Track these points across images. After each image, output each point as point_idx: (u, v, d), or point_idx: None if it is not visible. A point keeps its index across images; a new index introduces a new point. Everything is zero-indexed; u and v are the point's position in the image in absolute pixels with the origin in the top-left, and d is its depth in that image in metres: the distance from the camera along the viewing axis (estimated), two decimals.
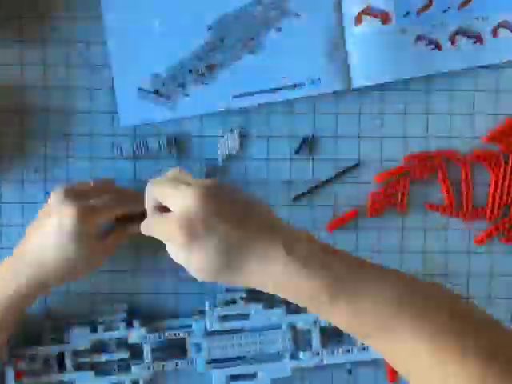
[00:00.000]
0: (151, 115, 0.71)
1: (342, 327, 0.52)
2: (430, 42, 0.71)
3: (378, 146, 0.73)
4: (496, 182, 0.72)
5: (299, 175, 0.73)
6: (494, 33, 0.71)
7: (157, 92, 0.71)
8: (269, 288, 0.52)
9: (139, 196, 0.62)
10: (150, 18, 0.70)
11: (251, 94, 0.71)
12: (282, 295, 0.52)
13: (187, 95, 0.71)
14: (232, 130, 0.72)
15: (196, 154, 0.72)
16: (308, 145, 0.72)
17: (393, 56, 0.71)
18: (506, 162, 0.72)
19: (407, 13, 0.71)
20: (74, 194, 0.63)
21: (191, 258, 0.52)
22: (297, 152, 0.72)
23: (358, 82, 0.71)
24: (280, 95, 0.71)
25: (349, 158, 0.73)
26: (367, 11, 0.70)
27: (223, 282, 0.53)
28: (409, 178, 0.72)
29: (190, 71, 0.71)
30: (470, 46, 0.71)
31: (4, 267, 0.64)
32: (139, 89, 0.71)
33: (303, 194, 0.73)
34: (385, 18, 0.70)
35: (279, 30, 0.71)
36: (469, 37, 0.71)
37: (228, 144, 0.72)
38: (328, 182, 0.72)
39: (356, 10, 0.70)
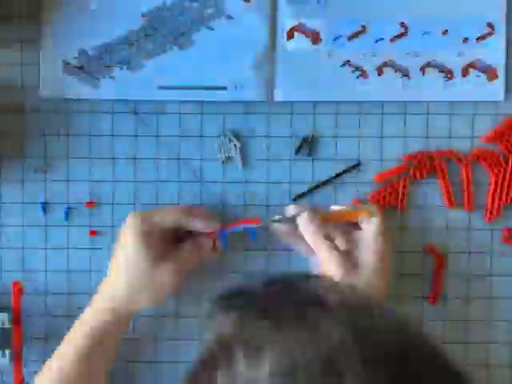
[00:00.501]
0: (74, 91, 0.71)
1: None
2: (356, 69, 0.71)
3: (378, 146, 0.73)
4: (496, 182, 0.72)
5: (299, 175, 0.73)
6: (423, 70, 0.71)
7: (81, 68, 0.70)
8: None
9: (206, 213, 0.68)
10: None
11: (177, 88, 0.71)
12: None
13: (112, 77, 0.71)
14: (231, 131, 0.72)
15: (196, 156, 0.72)
16: (308, 145, 0.72)
17: (317, 77, 0.71)
18: (506, 162, 0.72)
19: (338, 36, 0.71)
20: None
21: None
22: (297, 152, 0.72)
23: (281, 95, 0.71)
24: (205, 95, 0.71)
25: (349, 158, 0.73)
26: (298, 28, 0.70)
27: None
28: (409, 178, 0.72)
29: (117, 54, 0.70)
30: (398, 79, 0.71)
31: (98, 297, 0.67)
32: (64, 62, 0.71)
33: (303, 194, 0.73)
34: (315, 37, 0.70)
35: (211, 29, 0.70)
36: (397, 70, 0.71)
37: (227, 145, 0.72)
38: (328, 181, 0.72)
39: (289, 25, 0.70)
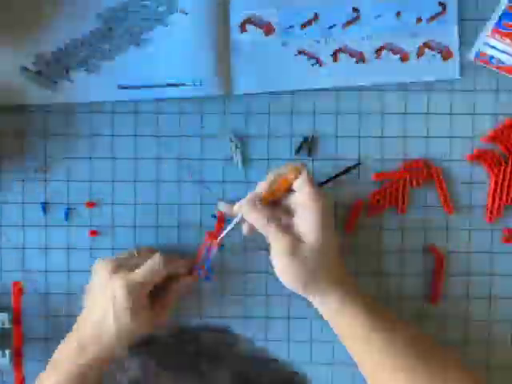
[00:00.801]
0: (32, 96, 0.71)
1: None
2: (311, 56, 0.71)
3: (378, 145, 0.73)
4: (496, 182, 0.72)
5: None
6: (378, 54, 0.71)
7: (40, 73, 0.70)
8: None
9: (180, 260, 0.70)
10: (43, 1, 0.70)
11: (136, 87, 0.71)
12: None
13: (71, 81, 0.71)
14: (231, 131, 0.72)
15: (196, 156, 0.72)
16: (308, 145, 0.72)
17: (273, 67, 0.71)
18: (506, 162, 0.72)
19: (291, 26, 0.71)
20: (121, 267, 0.67)
21: (286, 268, 0.64)
22: (297, 152, 0.72)
23: (239, 88, 0.71)
24: (165, 92, 0.71)
25: (349, 158, 0.73)
26: (251, 20, 0.71)
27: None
28: (407, 183, 0.72)
29: (75, 56, 0.70)
30: (353, 64, 0.71)
31: (65, 349, 0.66)
32: (22, 68, 0.70)
33: None
34: (268, 29, 0.71)
35: (166, 25, 0.70)
36: (351, 55, 0.71)
37: (227, 145, 0.72)
38: (328, 181, 0.72)
39: (241, 18, 0.71)
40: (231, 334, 0.48)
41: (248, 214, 0.66)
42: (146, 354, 0.44)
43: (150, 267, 0.67)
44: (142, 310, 0.66)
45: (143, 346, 0.46)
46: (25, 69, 0.70)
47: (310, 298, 0.66)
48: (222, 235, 0.68)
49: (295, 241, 0.64)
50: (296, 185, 0.65)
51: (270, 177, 0.66)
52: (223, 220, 0.71)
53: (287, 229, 0.65)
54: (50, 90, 0.71)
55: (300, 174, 0.65)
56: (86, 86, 0.71)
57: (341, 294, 0.65)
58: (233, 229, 0.68)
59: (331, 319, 0.66)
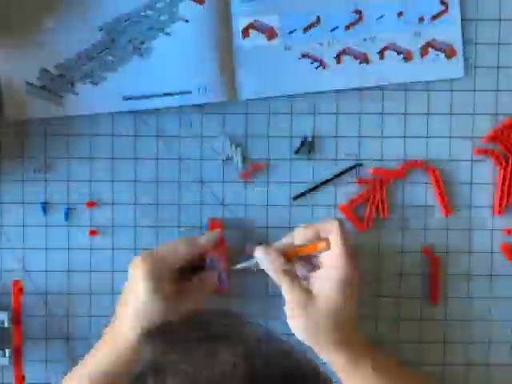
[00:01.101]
0: (38, 110, 0.71)
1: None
2: (315, 59, 0.71)
3: (378, 145, 0.73)
4: (496, 182, 0.72)
5: (299, 175, 0.73)
6: (381, 55, 0.71)
7: (44, 87, 0.70)
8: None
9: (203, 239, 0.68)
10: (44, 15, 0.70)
11: (141, 97, 0.71)
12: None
13: (76, 94, 0.71)
14: (231, 131, 0.72)
15: (196, 156, 0.73)
16: (308, 145, 0.72)
17: (277, 72, 0.71)
18: (507, 162, 0.72)
19: (293, 30, 0.71)
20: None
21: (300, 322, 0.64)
22: (297, 152, 0.72)
23: (243, 94, 0.71)
24: (170, 101, 0.71)
25: (349, 158, 0.73)
26: (253, 26, 0.71)
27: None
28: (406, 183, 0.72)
29: (79, 69, 0.70)
30: (356, 66, 0.71)
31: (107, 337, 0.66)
32: (27, 83, 0.70)
33: (303, 194, 0.73)
34: (270, 34, 0.71)
35: (168, 34, 0.70)
36: (355, 57, 0.71)
37: (227, 145, 0.72)
38: (328, 181, 0.72)
39: (243, 23, 0.71)
40: (242, 319, 0.49)
41: (264, 263, 0.65)
42: (158, 340, 0.47)
43: (171, 244, 0.66)
44: (163, 291, 0.63)
45: (156, 332, 0.49)
46: (30, 84, 0.70)
47: (317, 352, 0.65)
48: (235, 267, 0.68)
49: (308, 296, 0.64)
50: (326, 254, 0.64)
51: (301, 234, 0.66)
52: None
53: (303, 279, 0.65)
54: (55, 104, 0.71)
55: (334, 232, 0.64)
56: (91, 99, 0.71)
57: (349, 358, 0.64)
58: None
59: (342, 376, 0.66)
